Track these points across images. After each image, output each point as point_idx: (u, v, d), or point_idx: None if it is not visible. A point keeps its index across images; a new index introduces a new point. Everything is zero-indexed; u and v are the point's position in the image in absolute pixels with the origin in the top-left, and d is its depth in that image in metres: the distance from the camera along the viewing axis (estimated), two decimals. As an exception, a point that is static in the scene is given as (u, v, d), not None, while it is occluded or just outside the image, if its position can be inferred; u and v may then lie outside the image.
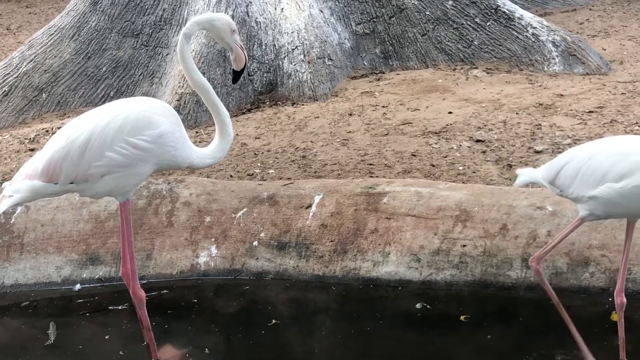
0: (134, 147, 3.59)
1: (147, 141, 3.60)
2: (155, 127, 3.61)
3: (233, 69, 3.87)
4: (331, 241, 4.55)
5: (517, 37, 7.26)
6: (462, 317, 4.05)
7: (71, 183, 3.64)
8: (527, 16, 7.43)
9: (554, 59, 7.11)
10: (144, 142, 3.60)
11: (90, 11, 7.31)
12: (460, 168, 5.32)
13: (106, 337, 4.22)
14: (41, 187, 3.64)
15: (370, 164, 5.49)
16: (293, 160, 5.68)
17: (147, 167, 3.67)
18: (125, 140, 3.58)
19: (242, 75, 3.97)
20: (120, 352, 4.05)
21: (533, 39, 7.22)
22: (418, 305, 4.18)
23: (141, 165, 3.64)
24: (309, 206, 4.67)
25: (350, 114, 6.39)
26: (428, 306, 4.18)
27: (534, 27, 7.29)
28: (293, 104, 6.76)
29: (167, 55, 7.11)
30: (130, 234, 3.79)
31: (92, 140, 3.57)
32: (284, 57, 7.00)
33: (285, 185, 4.87)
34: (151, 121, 3.61)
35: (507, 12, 7.36)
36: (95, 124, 3.60)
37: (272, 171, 5.54)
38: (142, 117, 3.62)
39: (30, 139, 6.51)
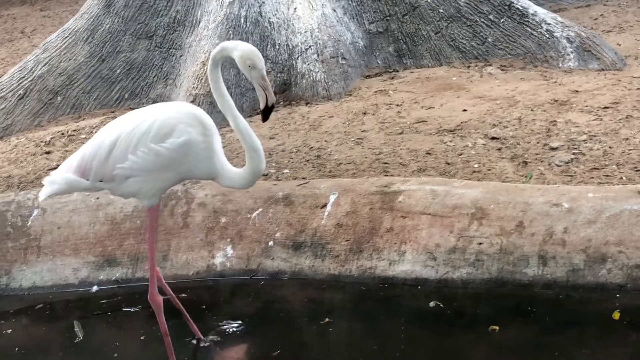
0: (155, 153, 3.61)
1: (168, 149, 3.60)
2: (178, 136, 3.60)
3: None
4: (347, 240, 4.54)
5: (532, 34, 7.22)
6: (490, 328, 3.94)
7: (100, 181, 3.73)
8: (541, 12, 7.40)
9: (568, 55, 7.07)
10: (165, 149, 3.60)
11: (104, 14, 7.34)
12: (476, 166, 5.30)
13: (141, 337, 4.25)
14: (74, 181, 3.76)
15: (385, 163, 5.48)
16: (308, 160, 5.67)
17: (171, 174, 3.68)
18: (148, 145, 3.60)
19: (270, 114, 3.64)
20: (146, 352, 4.07)
21: (547, 35, 7.19)
22: (431, 304, 4.17)
23: (164, 171, 3.66)
24: (324, 206, 4.67)
25: (365, 113, 6.39)
26: (441, 304, 4.17)
27: (548, 23, 7.25)
28: (307, 104, 6.75)
29: (180, 56, 7.12)
30: (152, 240, 3.80)
31: (119, 143, 3.64)
32: (298, 57, 6.99)
33: (300, 185, 4.87)
34: (175, 129, 3.61)
35: (520, 8, 7.33)
36: (124, 127, 3.67)
37: (287, 171, 5.54)
38: (166, 124, 3.62)
39: (45, 142, 6.54)
